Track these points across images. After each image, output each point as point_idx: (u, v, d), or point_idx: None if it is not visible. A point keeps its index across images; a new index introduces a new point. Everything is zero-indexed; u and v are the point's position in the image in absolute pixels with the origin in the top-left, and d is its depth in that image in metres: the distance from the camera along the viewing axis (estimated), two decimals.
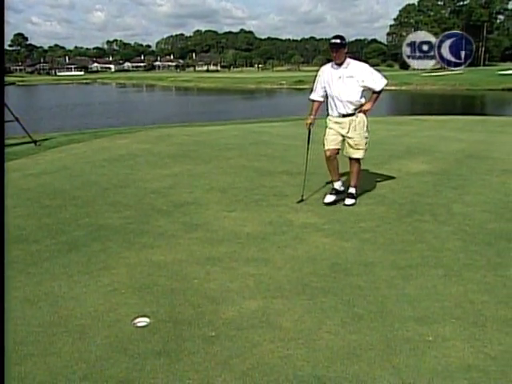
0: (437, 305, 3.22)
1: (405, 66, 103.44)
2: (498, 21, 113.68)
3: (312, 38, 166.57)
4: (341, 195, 5.59)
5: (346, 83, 5.23)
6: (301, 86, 67.87)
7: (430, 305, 3.22)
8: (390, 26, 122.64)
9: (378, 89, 5.29)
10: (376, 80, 5.29)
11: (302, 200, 5.59)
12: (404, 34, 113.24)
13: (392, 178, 6.68)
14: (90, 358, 2.64)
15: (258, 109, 38.22)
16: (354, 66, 5.28)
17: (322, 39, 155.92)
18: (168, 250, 4.22)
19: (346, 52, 5.28)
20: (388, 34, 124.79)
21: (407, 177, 6.79)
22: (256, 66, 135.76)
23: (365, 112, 5.34)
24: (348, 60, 5.28)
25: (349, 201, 5.52)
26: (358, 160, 5.53)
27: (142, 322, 3.03)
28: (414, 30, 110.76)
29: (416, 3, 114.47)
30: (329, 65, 5.44)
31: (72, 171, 7.32)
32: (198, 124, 16.33)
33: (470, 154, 8.63)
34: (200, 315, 3.10)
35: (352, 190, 5.60)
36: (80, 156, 8.63)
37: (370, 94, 5.35)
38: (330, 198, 5.54)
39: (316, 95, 5.51)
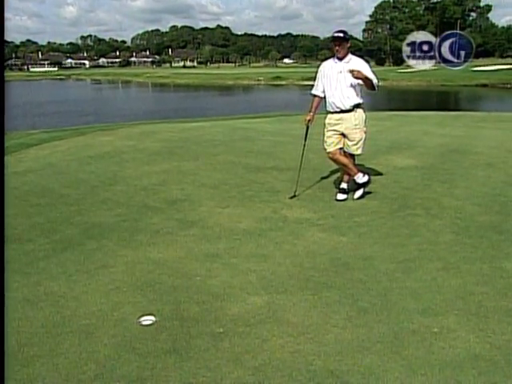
0: (438, 297, 3.27)
1: (381, 62, 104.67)
2: (471, 18, 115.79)
3: (289, 34, 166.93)
4: (362, 187, 5.59)
5: (346, 78, 5.19)
6: (278, 82, 68.08)
7: (432, 297, 3.27)
8: (366, 22, 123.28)
9: (375, 81, 5.15)
10: (374, 77, 5.18)
11: (294, 196, 5.60)
12: (380, 30, 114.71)
13: (381, 172, 6.74)
14: (99, 358, 2.61)
15: (237, 105, 38.08)
16: (355, 62, 5.26)
17: (299, 35, 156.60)
18: (165, 247, 4.19)
19: (349, 47, 5.28)
20: (364, 31, 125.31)
21: (395, 171, 6.87)
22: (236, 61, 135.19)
23: (356, 74, 5.04)
24: (350, 55, 5.28)
25: (341, 196, 5.56)
26: (353, 155, 5.56)
27: (148, 320, 3.00)
28: (390, 27, 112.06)
29: (391, 0, 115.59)
30: (330, 60, 5.43)
31: (58, 169, 7.18)
32: (181, 120, 16.21)
33: (453, 149, 8.77)
34: (206, 312, 3.08)
35: (344, 185, 5.64)
36: (65, 153, 8.47)
37: (365, 89, 5.29)
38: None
39: (317, 90, 5.48)
